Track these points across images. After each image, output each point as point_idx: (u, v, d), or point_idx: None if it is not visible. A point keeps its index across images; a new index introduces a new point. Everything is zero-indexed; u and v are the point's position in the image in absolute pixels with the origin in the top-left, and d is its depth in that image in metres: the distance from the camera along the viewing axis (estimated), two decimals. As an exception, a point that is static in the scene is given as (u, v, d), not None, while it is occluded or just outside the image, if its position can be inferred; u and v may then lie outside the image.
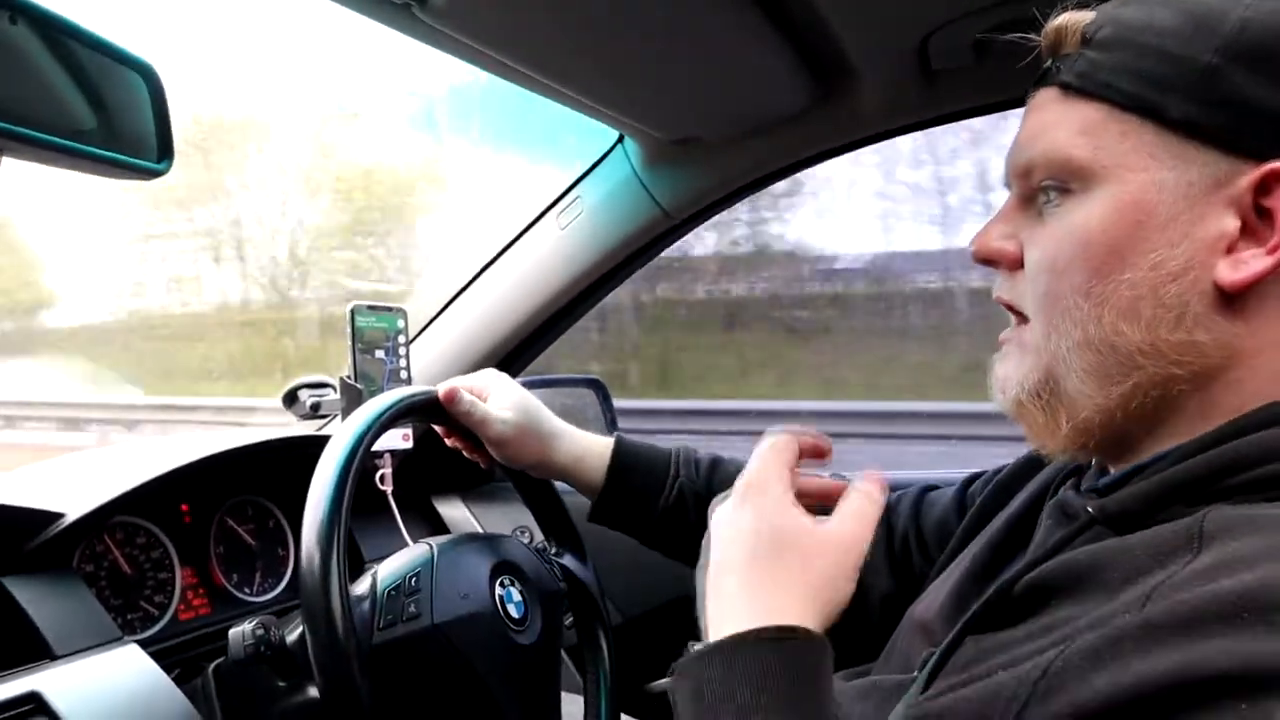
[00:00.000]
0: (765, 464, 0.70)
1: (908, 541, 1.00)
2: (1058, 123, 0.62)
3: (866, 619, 0.97)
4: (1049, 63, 0.64)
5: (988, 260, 0.68)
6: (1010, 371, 0.66)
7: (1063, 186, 0.62)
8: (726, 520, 0.69)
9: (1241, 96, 0.56)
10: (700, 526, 1.00)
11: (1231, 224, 0.57)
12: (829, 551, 0.65)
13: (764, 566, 0.64)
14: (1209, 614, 0.45)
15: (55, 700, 0.86)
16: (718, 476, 1.04)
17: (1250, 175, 0.56)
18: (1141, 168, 0.58)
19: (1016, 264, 0.66)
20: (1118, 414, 0.61)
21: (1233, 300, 0.57)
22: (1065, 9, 0.64)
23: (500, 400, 1.02)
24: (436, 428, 1.06)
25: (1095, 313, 0.60)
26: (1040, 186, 0.63)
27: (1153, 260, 0.58)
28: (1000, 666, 0.54)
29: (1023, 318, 0.66)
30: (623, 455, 1.04)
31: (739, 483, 0.70)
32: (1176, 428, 0.60)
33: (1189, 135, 0.57)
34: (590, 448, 1.04)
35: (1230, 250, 0.57)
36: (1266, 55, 0.55)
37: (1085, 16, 0.62)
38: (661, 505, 1.02)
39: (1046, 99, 0.64)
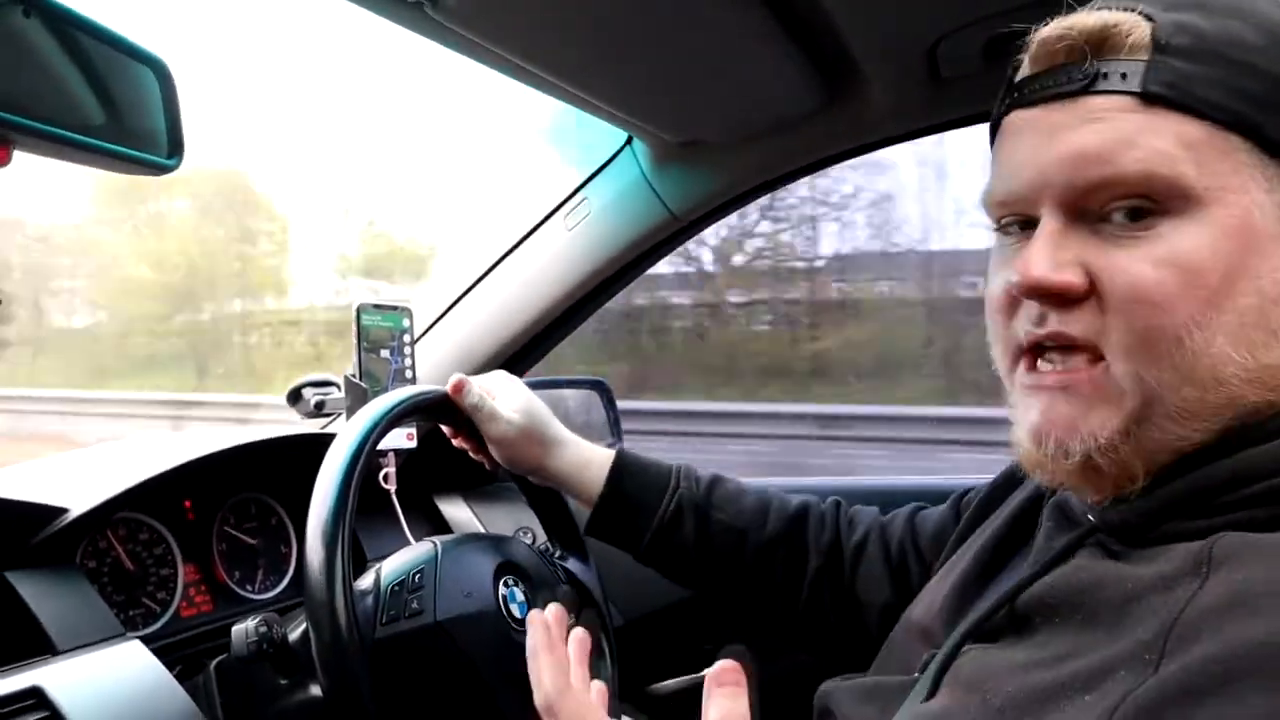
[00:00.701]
0: (545, 669, 0.79)
1: (905, 553, 0.99)
2: (1147, 134, 0.55)
3: (866, 633, 0.97)
4: (1092, 65, 0.57)
5: (1049, 294, 0.58)
6: (1076, 423, 0.58)
7: (1152, 207, 0.55)
8: None
9: None
10: (697, 539, 1.00)
11: None
12: None
13: None
14: (1244, 669, 0.44)
15: (57, 695, 0.86)
16: (717, 490, 1.03)
17: None
18: (1243, 189, 0.55)
19: (1084, 296, 0.57)
20: (1200, 449, 0.56)
21: None
22: (1072, 8, 0.59)
23: (508, 401, 1.02)
24: (444, 427, 1.06)
25: (1207, 344, 0.54)
26: (1111, 207, 0.57)
27: (1258, 285, 0.55)
28: (1016, 703, 0.53)
29: (1090, 353, 0.58)
30: (624, 464, 1.03)
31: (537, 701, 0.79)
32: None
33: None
34: (593, 459, 1.04)
35: None
36: None
37: (1134, 18, 0.57)
38: (660, 513, 1.01)
39: (1114, 107, 0.56)
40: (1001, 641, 0.60)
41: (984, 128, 0.69)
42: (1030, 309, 0.60)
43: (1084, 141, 0.57)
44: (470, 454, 1.08)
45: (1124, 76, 0.56)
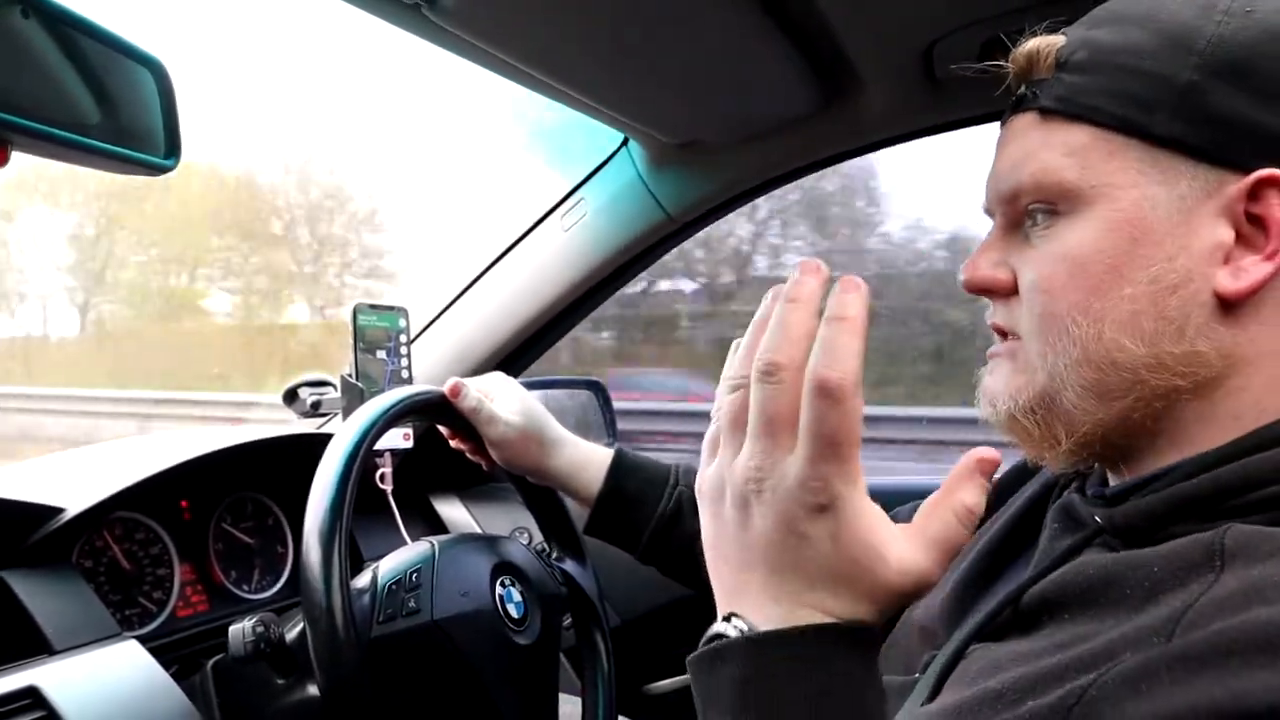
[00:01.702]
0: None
1: None
2: (1042, 146, 0.62)
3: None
4: (1022, 88, 0.64)
5: (980, 289, 0.68)
6: (1000, 386, 0.66)
7: (1051, 209, 0.62)
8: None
9: (1222, 110, 0.57)
10: (697, 542, 1.00)
11: (1226, 234, 0.58)
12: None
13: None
14: (1248, 644, 0.44)
15: (53, 695, 0.86)
16: None
17: (1239, 184, 0.57)
18: (1131, 184, 0.59)
19: (1010, 291, 0.66)
20: (1118, 427, 0.61)
21: (1232, 308, 0.58)
22: (1036, 31, 0.64)
23: (506, 403, 1.02)
24: (441, 428, 1.06)
25: (1095, 330, 0.60)
26: (1027, 210, 0.64)
27: (1151, 274, 0.58)
28: (1020, 686, 0.53)
29: (1015, 336, 0.66)
30: (623, 463, 1.04)
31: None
32: (1176, 436, 0.60)
33: (1175, 150, 0.58)
34: (591, 458, 1.04)
35: (1228, 260, 0.58)
36: (1242, 69, 0.56)
37: (1056, 41, 0.63)
38: (660, 512, 1.01)
39: (1025, 124, 0.64)
40: (1008, 639, 0.61)
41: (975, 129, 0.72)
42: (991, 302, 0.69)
43: (1006, 156, 0.65)
44: (468, 455, 1.08)
45: (1035, 95, 0.63)
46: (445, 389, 0.99)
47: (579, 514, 1.07)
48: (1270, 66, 0.56)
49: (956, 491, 0.56)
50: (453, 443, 1.08)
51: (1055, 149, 0.61)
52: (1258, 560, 0.49)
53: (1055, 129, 0.62)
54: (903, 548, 0.53)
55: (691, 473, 1.04)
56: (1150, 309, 0.58)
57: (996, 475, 0.90)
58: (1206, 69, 0.57)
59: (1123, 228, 0.59)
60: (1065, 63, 0.61)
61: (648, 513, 1.02)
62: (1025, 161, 0.63)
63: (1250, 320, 0.58)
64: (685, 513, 1.01)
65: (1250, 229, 0.58)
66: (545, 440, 1.03)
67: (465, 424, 1.02)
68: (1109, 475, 0.67)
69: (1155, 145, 0.58)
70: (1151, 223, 0.58)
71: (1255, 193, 0.57)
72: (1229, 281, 0.57)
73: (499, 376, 1.07)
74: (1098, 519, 0.62)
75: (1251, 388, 0.58)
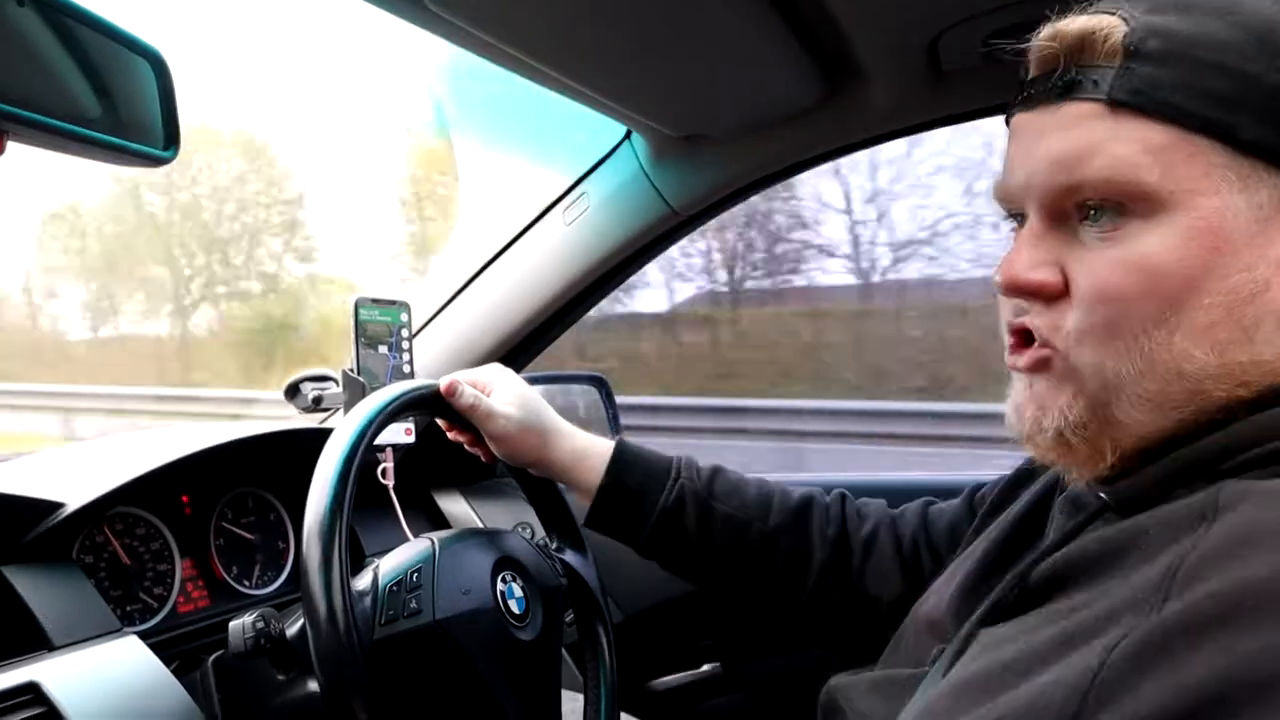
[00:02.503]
0: None
1: (917, 546, 0.99)
2: (1112, 140, 0.57)
3: (874, 623, 0.97)
4: (1073, 73, 0.59)
5: (1027, 293, 0.62)
6: (1048, 403, 0.62)
7: (1117, 208, 0.58)
8: None
9: None
10: (699, 531, 1.00)
11: None
12: None
13: None
14: (1248, 605, 0.44)
15: (53, 690, 0.86)
16: (719, 481, 1.03)
17: None
18: (1213, 191, 0.56)
19: (1059, 295, 0.61)
20: (1169, 436, 0.58)
21: None
22: (1077, 11, 0.61)
23: (503, 396, 1.01)
24: (439, 421, 1.06)
25: (1166, 341, 0.56)
26: (1082, 206, 0.59)
27: (1230, 285, 0.56)
28: (1025, 657, 0.53)
29: (1048, 344, 0.62)
30: (624, 454, 1.03)
31: None
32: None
33: (1258, 156, 0.56)
34: (592, 448, 1.03)
35: None
36: None
37: (1113, 23, 0.58)
38: (661, 505, 1.01)
39: (1084, 113, 0.59)
40: (1014, 618, 0.60)
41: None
42: (1016, 300, 0.64)
43: (1057, 148, 0.59)
44: (466, 447, 1.08)
45: (1096, 83, 0.58)
46: (441, 387, 0.99)
47: (580, 507, 1.06)
48: None
49: None
50: (451, 435, 1.08)
51: (1131, 145, 0.57)
52: (1247, 508, 0.49)
53: (1127, 123, 0.57)
54: None
55: (693, 466, 1.04)
56: (1226, 319, 0.56)
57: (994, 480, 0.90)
58: None
59: (1204, 237, 0.56)
60: (1136, 50, 0.57)
61: (649, 506, 1.01)
62: (1090, 155, 0.58)
63: None
64: (687, 507, 1.00)
65: None
66: (544, 432, 1.02)
67: (463, 417, 1.02)
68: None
69: (1238, 150, 0.55)
70: (1231, 232, 0.56)
71: None
72: None
73: (496, 368, 1.06)
74: (1101, 495, 0.61)
75: None
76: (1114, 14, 0.59)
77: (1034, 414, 0.62)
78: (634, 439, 1.07)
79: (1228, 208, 0.55)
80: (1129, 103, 0.57)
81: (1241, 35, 0.55)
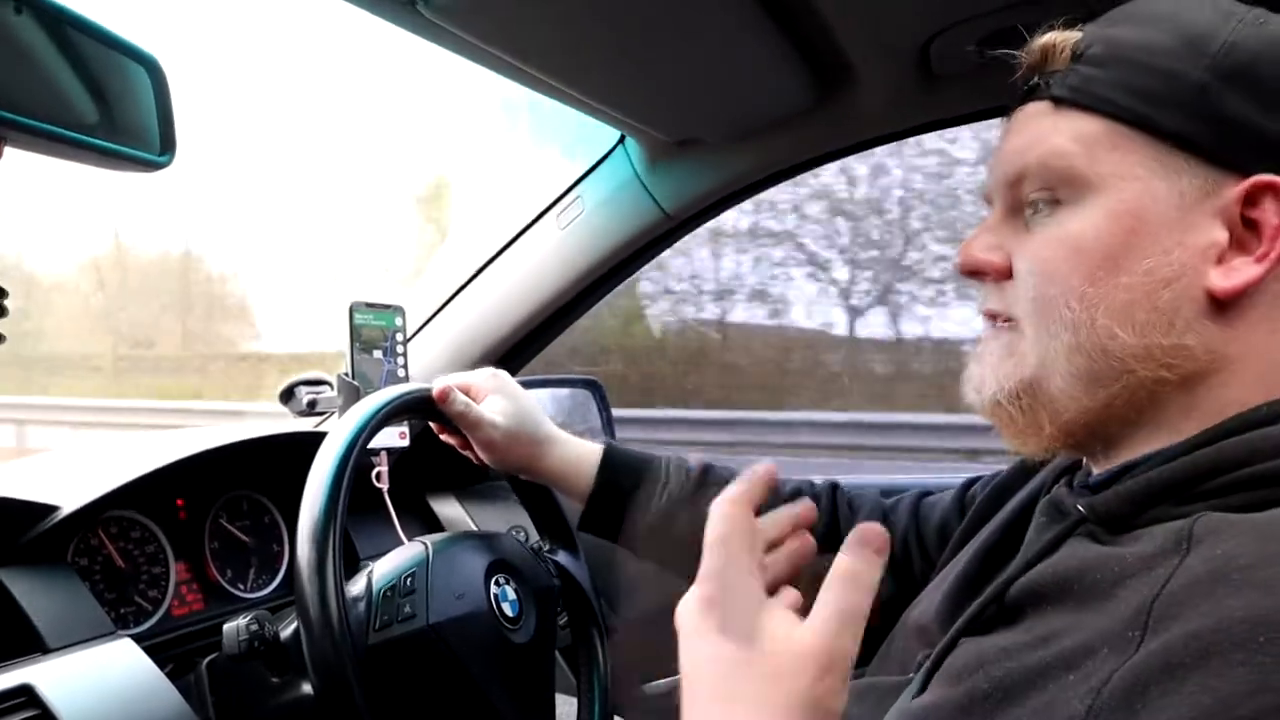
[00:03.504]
0: (720, 561, 0.61)
1: (908, 545, 0.99)
2: (1052, 132, 0.63)
3: (867, 624, 0.97)
4: (1035, 78, 0.66)
5: (974, 271, 0.69)
6: (988, 372, 0.67)
7: (1053, 197, 0.63)
8: (689, 636, 0.60)
9: (1228, 113, 0.58)
10: (692, 533, 1.00)
11: (1221, 234, 0.59)
12: (809, 670, 0.54)
13: (736, 702, 0.55)
14: (1224, 642, 0.45)
15: (47, 693, 0.86)
16: (709, 482, 1.03)
17: (1237, 188, 0.59)
18: (1135, 177, 0.60)
19: (1004, 274, 0.67)
20: (1102, 415, 0.63)
21: (1222, 307, 0.59)
22: (1053, 26, 0.66)
23: (493, 403, 1.02)
24: (431, 424, 1.06)
25: (1088, 316, 0.61)
26: (1028, 199, 0.65)
27: (1147, 266, 0.60)
28: (1005, 684, 0.54)
29: (1007, 321, 0.67)
30: (613, 460, 1.03)
31: (697, 591, 0.61)
32: (1159, 427, 0.62)
33: (1180, 148, 0.59)
34: (583, 454, 1.04)
35: (1220, 260, 0.59)
36: (1250, 75, 0.58)
37: (1072, 35, 0.64)
38: (652, 510, 1.01)
39: (1036, 112, 0.65)
40: (993, 633, 0.61)
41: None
42: (983, 287, 0.70)
43: (1012, 142, 0.66)
44: (458, 449, 1.08)
45: (1047, 85, 0.64)
46: (433, 393, 0.99)
47: (573, 509, 1.07)
48: (1273, 72, 0.58)
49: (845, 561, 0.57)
50: (443, 437, 1.08)
51: (1064, 135, 0.63)
52: (1222, 541, 0.51)
53: (1066, 117, 0.63)
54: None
55: (682, 467, 1.04)
56: (1144, 300, 0.60)
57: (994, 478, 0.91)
58: (1218, 71, 0.58)
59: (1123, 218, 0.60)
60: (1081, 55, 0.63)
61: (640, 510, 1.01)
62: (1033, 145, 0.64)
63: (1238, 320, 0.60)
64: (676, 510, 1.01)
65: (1244, 231, 0.59)
66: (535, 439, 1.03)
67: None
68: (1092, 467, 0.68)
69: (1162, 140, 0.60)
70: (1151, 216, 0.60)
71: (1251, 197, 0.58)
72: (1220, 280, 0.59)
73: (489, 372, 1.06)
74: (1080, 508, 0.62)
75: (1234, 385, 0.60)
76: (1082, 26, 0.65)
77: (978, 381, 0.68)
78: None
79: (1148, 193, 0.60)
80: (1067, 99, 0.63)
81: (1174, 39, 0.60)
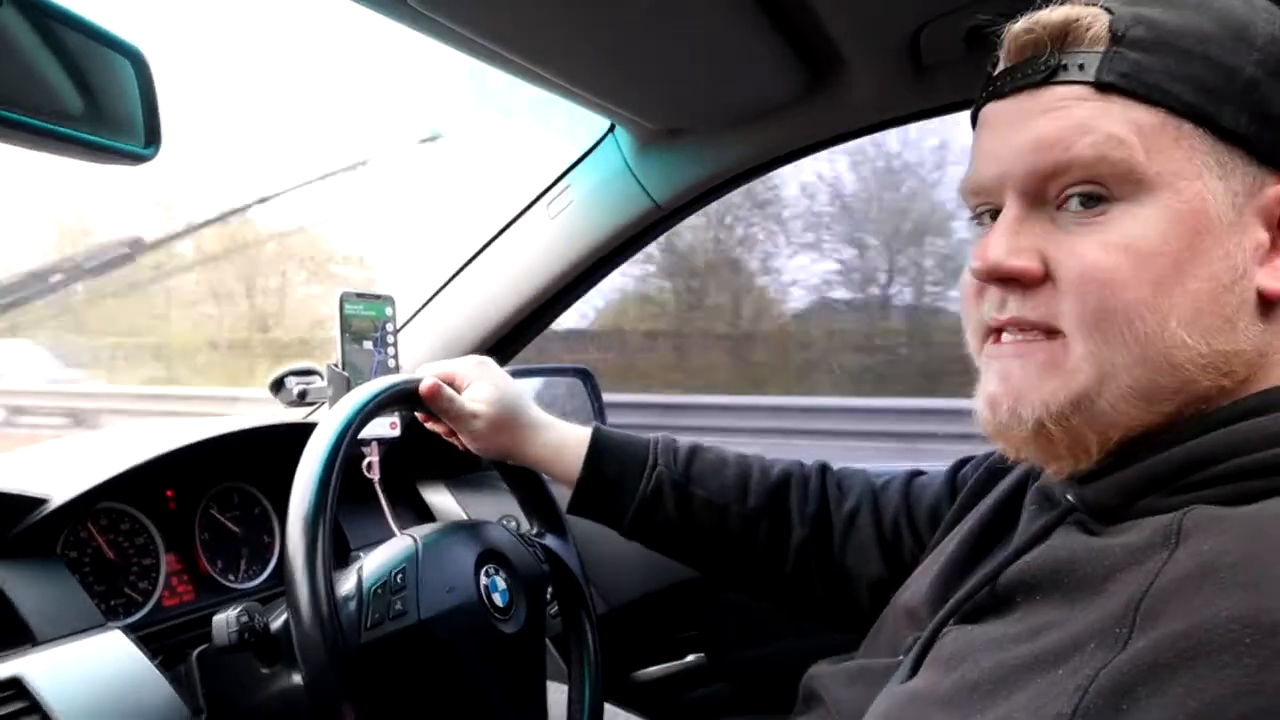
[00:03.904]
0: None
1: (899, 526, 0.99)
2: (1103, 120, 0.58)
3: (856, 606, 0.97)
4: (1056, 58, 0.60)
5: (1005, 279, 0.61)
6: (1027, 391, 0.60)
7: (1099, 193, 0.58)
8: None
9: (1274, 109, 0.56)
10: (679, 516, 1.00)
11: (1264, 235, 0.58)
12: None
13: None
14: (1211, 644, 0.45)
15: (37, 685, 0.86)
16: (696, 464, 1.03)
17: (1278, 187, 0.57)
18: (1196, 176, 0.57)
19: (1039, 281, 0.60)
20: (1152, 431, 0.59)
21: (1270, 309, 0.58)
22: (1056, 4, 0.61)
23: (477, 390, 1.02)
24: (418, 414, 1.06)
25: (1159, 327, 0.56)
26: (1064, 194, 0.59)
27: (1211, 270, 0.57)
28: (994, 677, 0.54)
29: (1052, 333, 0.60)
30: (600, 444, 1.04)
31: None
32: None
33: (1236, 145, 0.57)
34: (568, 438, 1.04)
35: (1264, 261, 0.58)
36: None
37: (1095, 12, 0.59)
38: (639, 493, 1.01)
39: (1072, 96, 0.59)
40: (983, 621, 0.61)
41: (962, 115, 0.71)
42: (993, 295, 0.63)
43: (1043, 129, 0.59)
44: (443, 437, 1.08)
45: (1082, 67, 0.58)
46: (421, 389, 0.99)
47: (564, 496, 1.07)
48: None
49: None
50: (429, 425, 1.09)
51: (1119, 124, 0.57)
52: (1210, 537, 0.50)
53: (1117, 105, 0.58)
54: None
55: (670, 449, 1.04)
56: (1211, 305, 0.57)
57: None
58: (1266, 66, 0.56)
59: (1188, 220, 0.57)
60: (1122, 36, 0.58)
61: (627, 496, 1.02)
62: (1080, 134, 0.58)
63: (1277, 321, 0.58)
64: (665, 493, 1.01)
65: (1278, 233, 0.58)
66: (520, 425, 1.03)
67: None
68: None
69: (1220, 138, 0.57)
70: (1212, 217, 0.57)
71: None
72: (1269, 281, 0.57)
73: (473, 360, 1.07)
74: (1069, 497, 0.62)
75: (1266, 383, 0.58)
76: (1096, 4, 0.60)
77: (1010, 404, 0.61)
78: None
79: (1209, 192, 0.57)
80: (1118, 85, 0.57)
81: (1221, 29, 0.57)
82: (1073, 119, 0.58)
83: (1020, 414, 0.60)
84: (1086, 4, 0.60)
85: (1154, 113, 0.57)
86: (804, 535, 1.00)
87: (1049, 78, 0.60)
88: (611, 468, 1.03)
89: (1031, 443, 0.61)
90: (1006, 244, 0.60)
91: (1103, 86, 0.58)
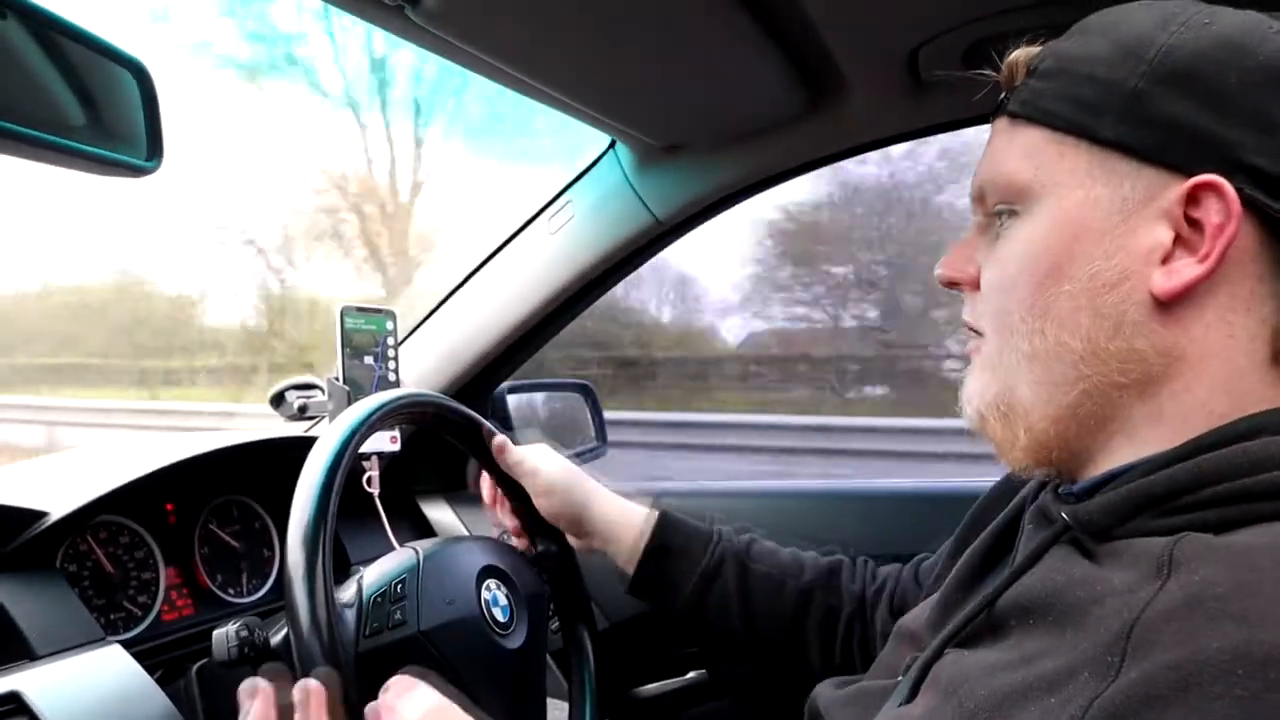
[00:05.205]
0: None
1: (905, 595, 1.02)
2: (1005, 148, 0.66)
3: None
4: (1003, 95, 0.68)
5: (948, 284, 0.71)
6: (973, 387, 0.69)
7: (1011, 209, 0.65)
8: None
9: (1165, 114, 0.59)
10: (737, 588, 1.04)
11: (1165, 235, 0.59)
12: None
13: None
14: (1205, 676, 0.45)
15: (36, 700, 0.86)
16: (755, 546, 1.08)
17: (1179, 189, 0.59)
18: (1077, 185, 0.62)
19: (976, 286, 0.69)
20: (1069, 423, 0.64)
21: (1171, 308, 0.59)
22: (1036, 36, 0.67)
23: (543, 459, 1.07)
24: (484, 490, 1.11)
25: (1039, 325, 0.63)
26: (995, 211, 0.67)
27: (1089, 272, 0.61)
28: (989, 704, 0.54)
29: (979, 334, 0.69)
30: (668, 517, 1.08)
31: None
32: (1129, 436, 0.62)
33: (1122, 153, 0.60)
34: (628, 510, 1.08)
35: (1165, 261, 0.59)
36: (1186, 77, 0.58)
37: (1033, 51, 0.66)
38: (703, 565, 1.05)
39: (999, 128, 0.67)
40: (980, 646, 0.61)
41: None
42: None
43: (981, 160, 0.69)
44: (499, 513, 1.14)
45: (1007, 101, 0.67)
46: (491, 446, 1.05)
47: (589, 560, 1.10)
48: (1213, 72, 0.58)
49: None
50: (484, 492, 1.14)
51: (1015, 150, 0.65)
52: (1201, 567, 0.50)
53: (1018, 131, 0.65)
54: None
55: (729, 531, 1.09)
56: (1087, 305, 0.61)
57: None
58: (1153, 76, 0.59)
59: (1065, 226, 0.62)
60: (1034, 70, 0.65)
61: (693, 564, 1.05)
62: (991, 162, 0.67)
63: (1193, 322, 0.59)
64: (727, 566, 1.05)
65: (1189, 232, 0.59)
66: (587, 490, 1.07)
67: (508, 480, 1.08)
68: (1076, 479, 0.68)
69: (1101, 147, 0.61)
70: (1092, 222, 0.61)
71: (1194, 197, 0.58)
72: (1161, 281, 0.59)
73: (539, 445, 1.11)
74: (1064, 515, 0.62)
75: (1196, 389, 0.60)
76: (1042, 42, 0.67)
77: (966, 396, 0.70)
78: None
79: (1090, 200, 0.61)
80: (1019, 113, 0.65)
81: (1113, 49, 0.61)
82: (992, 148, 0.67)
83: (969, 405, 0.69)
84: (1045, 41, 0.67)
85: (1041, 132, 0.63)
86: (852, 609, 1.04)
87: (995, 112, 0.69)
88: (677, 540, 1.06)
89: (979, 430, 0.69)
90: (951, 256, 0.71)
91: (1012, 116, 0.66)
